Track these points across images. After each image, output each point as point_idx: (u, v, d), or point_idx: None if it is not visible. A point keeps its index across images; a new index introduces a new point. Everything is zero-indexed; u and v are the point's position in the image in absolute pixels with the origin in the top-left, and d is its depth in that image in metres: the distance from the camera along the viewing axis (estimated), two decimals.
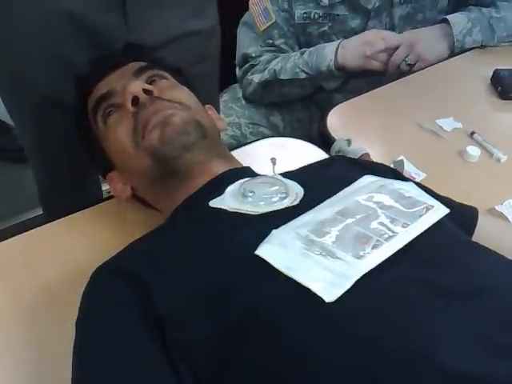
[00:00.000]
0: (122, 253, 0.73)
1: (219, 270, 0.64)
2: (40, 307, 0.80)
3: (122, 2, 0.94)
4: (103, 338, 0.64)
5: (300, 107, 1.68)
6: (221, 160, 0.83)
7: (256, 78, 1.58)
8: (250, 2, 1.60)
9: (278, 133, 1.64)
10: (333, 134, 1.11)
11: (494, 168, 1.09)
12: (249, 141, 1.56)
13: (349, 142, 1.06)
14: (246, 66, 1.61)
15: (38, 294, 0.82)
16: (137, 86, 0.80)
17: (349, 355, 0.54)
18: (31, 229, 0.93)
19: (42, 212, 1.29)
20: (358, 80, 1.55)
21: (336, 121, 1.16)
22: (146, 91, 0.80)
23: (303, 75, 1.53)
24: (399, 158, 1.06)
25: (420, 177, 1.04)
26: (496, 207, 0.98)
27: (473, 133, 1.16)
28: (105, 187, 1.20)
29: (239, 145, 1.15)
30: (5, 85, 1.03)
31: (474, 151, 1.11)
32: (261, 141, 1.12)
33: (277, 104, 1.67)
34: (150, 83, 0.84)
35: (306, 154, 1.06)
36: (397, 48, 1.45)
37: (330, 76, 1.51)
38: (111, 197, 0.99)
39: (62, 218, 0.94)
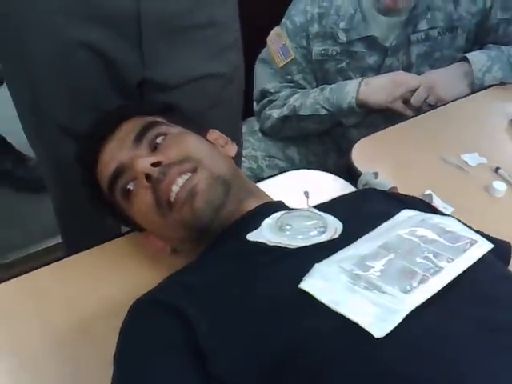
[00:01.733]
0: (161, 285, 0.72)
1: (262, 305, 0.62)
2: (75, 341, 0.79)
3: (138, 39, 0.95)
4: (144, 372, 0.62)
5: (316, 141, 1.69)
6: (251, 197, 0.83)
7: (275, 112, 1.59)
8: (268, 39, 1.62)
9: (293, 166, 1.64)
10: (358, 168, 1.10)
11: None
12: (265, 174, 1.58)
13: (375, 175, 1.05)
14: (265, 101, 1.62)
15: (72, 327, 0.80)
16: (144, 164, 0.78)
17: None
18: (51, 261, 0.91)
19: (57, 242, 1.28)
20: (374, 115, 1.56)
21: (360, 154, 1.16)
22: (154, 164, 0.78)
23: (323, 111, 1.54)
24: (427, 192, 1.05)
25: (448, 211, 1.02)
26: None
27: (498, 168, 1.15)
28: None
29: (264, 177, 1.14)
30: (25, 114, 1.04)
31: (500, 186, 1.10)
32: (285, 174, 1.11)
33: (293, 138, 1.67)
34: (155, 147, 0.82)
35: (334, 186, 1.05)
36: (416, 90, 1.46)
37: (351, 112, 1.52)
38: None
39: (94, 248, 0.93)
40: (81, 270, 0.90)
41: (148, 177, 0.78)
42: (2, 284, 0.86)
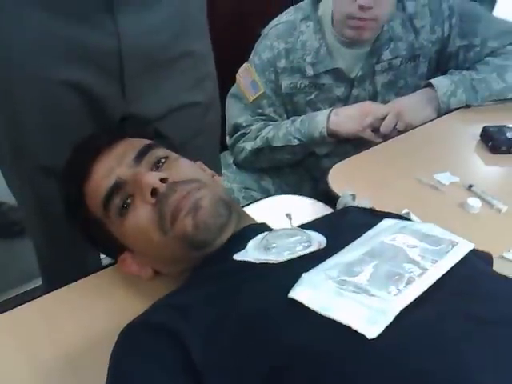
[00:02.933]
0: (150, 309, 0.71)
1: (254, 316, 0.62)
2: (62, 375, 0.77)
3: (120, 75, 0.96)
4: None
5: (289, 172, 1.71)
6: (238, 218, 0.83)
7: (248, 145, 1.61)
8: (237, 75, 1.65)
9: (269, 196, 1.65)
10: (335, 191, 1.12)
11: (495, 218, 1.11)
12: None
13: (353, 196, 1.06)
14: (237, 134, 1.64)
15: (59, 361, 0.78)
16: (152, 178, 0.78)
17: None
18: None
19: (35, 285, 1.26)
20: (345, 145, 1.59)
21: (337, 178, 1.18)
22: (162, 180, 0.78)
23: (296, 142, 1.56)
24: (404, 211, 1.07)
25: None
26: (504, 254, 0.99)
27: (471, 185, 1.18)
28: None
29: (246, 204, 1.14)
30: (4, 153, 1.02)
31: (475, 203, 1.12)
32: (265, 199, 1.12)
33: (267, 169, 1.70)
34: (156, 168, 0.83)
35: (313, 209, 1.06)
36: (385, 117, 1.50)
37: (322, 142, 1.55)
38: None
39: (76, 282, 0.92)
40: (64, 304, 0.88)
41: (154, 192, 0.77)
42: None
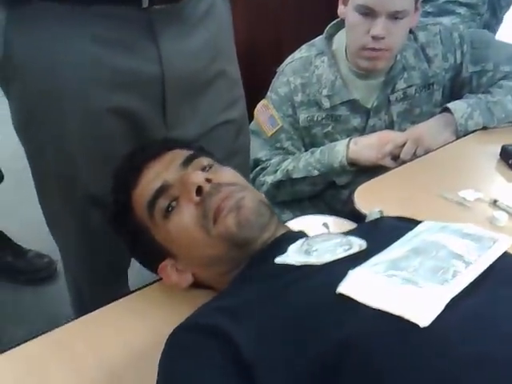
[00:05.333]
0: (197, 312, 0.72)
1: (303, 313, 0.63)
2: None
3: (162, 101, 0.99)
4: None
5: (309, 205, 1.72)
6: (277, 222, 0.85)
7: (268, 178, 1.63)
8: (255, 112, 1.68)
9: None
10: (361, 210, 1.13)
11: None
12: None
13: (381, 212, 1.07)
14: (258, 169, 1.66)
15: (103, 373, 0.79)
16: (199, 177, 0.81)
17: (452, 372, 0.52)
18: None
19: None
20: (363, 176, 1.60)
21: (362, 198, 1.18)
22: (207, 180, 0.81)
23: (316, 172, 1.58)
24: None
25: None
26: None
27: (495, 200, 1.18)
28: None
29: None
30: (51, 184, 1.04)
31: (501, 216, 1.13)
32: (296, 219, 1.13)
33: (287, 203, 1.70)
34: (203, 171, 0.85)
35: (342, 227, 1.06)
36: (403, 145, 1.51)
37: (343, 171, 1.56)
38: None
39: (115, 302, 0.93)
40: (104, 323, 0.89)
41: (199, 190, 0.79)
42: (30, 341, 0.85)
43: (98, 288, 1.16)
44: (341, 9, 1.55)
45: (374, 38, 1.46)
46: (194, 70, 1.01)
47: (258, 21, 2.13)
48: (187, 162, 0.86)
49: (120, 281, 1.21)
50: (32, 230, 1.87)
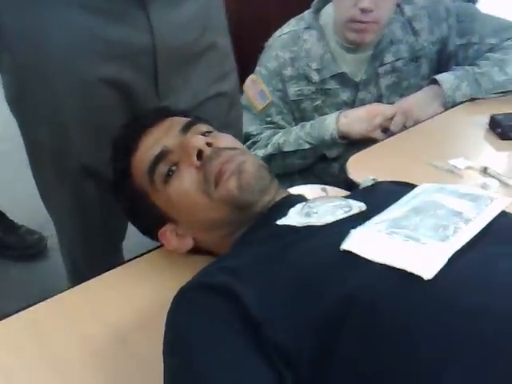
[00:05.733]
0: (201, 272, 0.73)
1: (307, 271, 0.64)
2: (114, 351, 0.79)
3: (153, 71, 0.99)
4: (203, 350, 0.62)
5: (299, 178, 1.73)
6: (277, 187, 0.86)
7: (260, 152, 1.63)
8: (244, 87, 1.69)
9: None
10: (354, 179, 1.14)
11: None
12: None
13: (374, 180, 1.08)
14: (248, 143, 1.66)
15: (110, 339, 0.80)
16: (199, 140, 0.82)
17: (456, 324, 0.54)
18: None
19: None
20: (353, 148, 1.61)
21: (355, 168, 1.20)
22: (208, 144, 0.82)
23: (307, 146, 1.59)
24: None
25: None
26: None
27: (486, 168, 1.21)
28: None
29: None
30: (44, 154, 1.04)
31: (492, 182, 1.15)
32: (294, 187, 1.14)
33: (278, 176, 1.70)
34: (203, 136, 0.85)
35: (341, 195, 1.08)
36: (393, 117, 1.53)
37: (333, 144, 1.58)
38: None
39: (115, 269, 0.93)
40: (108, 287, 0.90)
41: (199, 154, 0.80)
42: (37, 305, 0.85)
43: (93, 260, 1.16)
44: None
45: (362, 10, 1.47)
46: (185, 40, 1.02)
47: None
48: (186, 127, 0.87)
49: (115, 252, 1.22)
50: (22, 206, 1.87)
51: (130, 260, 0.95)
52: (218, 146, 0.83)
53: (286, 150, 1.61)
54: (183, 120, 0.89)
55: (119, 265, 0.94)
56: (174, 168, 0.83)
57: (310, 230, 0.72)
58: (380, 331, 0.56)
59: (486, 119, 1.39)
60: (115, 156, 0.91)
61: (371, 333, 0.56)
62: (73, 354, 0.78)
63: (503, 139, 1.34)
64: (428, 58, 1.64)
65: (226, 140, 0.87)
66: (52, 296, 0.87)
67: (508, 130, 1.33)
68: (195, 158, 0.80)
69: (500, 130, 1.34)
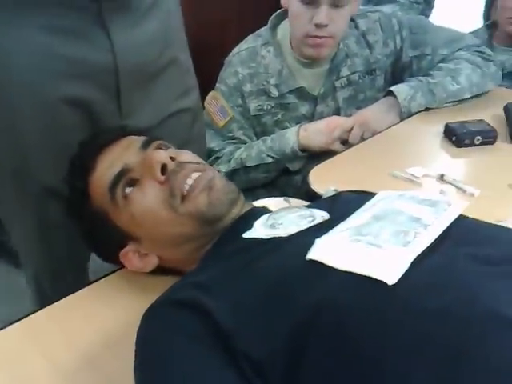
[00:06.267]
0: (170, 289, 0.73)
1: (275, 282, 0.65)
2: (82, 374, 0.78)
3: (116, 90, 1.00)
4: (173, 365, 0.62)
5: (263, 192, 1.74)
6: (243, 200, 0.88)
7: (223, 167, 1.65)
8: (205, 103, 1.70)
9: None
10: (317, 190, 1.17)
11: (470, 202, 1.16)
12: None
13: (336, 191, 1.11)
14: (211, 159, 1.68)
15: (78, 361, 0.79)
16: (162, 155, 0.82)
17: (420, 327, 0.56)
18: None
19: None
20: (315, 161, 1.64)
21: (317, 179, 1.22)
22: (171, 158, 0.82)
23: (269, 159, 1.62)
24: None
25: None
26: None
27: (442, 175, 1.24)
28: None
29: None
30: (5, 175, 1.03)
31: (448, 189, 1.19)
32: (257, 201, 1.15)
33: (242, 191, 1.72)
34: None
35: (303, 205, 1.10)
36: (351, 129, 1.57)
37: (295, 157, 1.60)
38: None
39: (81, 290, 0.93)
40: (74, 309, 0.90)
41: (163, 168, 0.80)
42: (2, 330, 0.84)
43: (58, 282, 1.15)
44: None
45: (318, 25, 1.50)
46: (147, 58, 1.03)
47: (202, 16, 2.14)
48: (146, 144, 0.87)
49: (80, 273, 1.21)
50: None
51: (95, 281, 0.95)
52: (180, 160, 0.84)
53: (248, 164, 1.63)
54: (141, 138, 0.89)
55: (84, 286, 0.93)
56: (134, 185, 0.82)
57: (275, 241, 0.73)
58: (347, 338, 0.57)
59: (441, 128, 1.43)
60: (72, 176, 0.90)
61: (338, 340, 0.58)
62: (40, 377, 0.77)
63: (458, 147, 1.38)
64: (382, 71, 1.69)
65: (186, 155, 0.88)
66: (18, 320, 0.86)
67: (462, 137, 1.37)
68: (159, 172, 0.80)
69: (455, 137, 1.38)
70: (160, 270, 0.90)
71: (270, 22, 1.69)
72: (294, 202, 1.10)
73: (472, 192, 1.19)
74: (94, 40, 0.95)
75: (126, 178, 0.83)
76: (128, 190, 0.83)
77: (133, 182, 0.83)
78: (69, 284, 1.12)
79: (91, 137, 0.94)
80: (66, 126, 0.97)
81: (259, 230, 0.77)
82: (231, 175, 1.66)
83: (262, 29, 1.71)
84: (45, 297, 1.18)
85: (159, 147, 0.87)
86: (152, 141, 0.89)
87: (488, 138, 1.38)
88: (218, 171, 1.58)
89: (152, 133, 1.04)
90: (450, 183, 1.22)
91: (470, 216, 0.76)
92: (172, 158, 0.83)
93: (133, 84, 1.01)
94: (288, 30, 1.64)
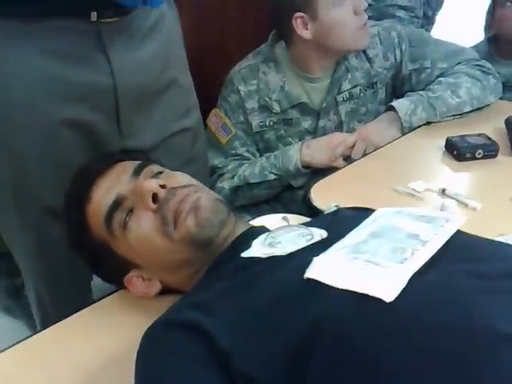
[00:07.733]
0: (170, 310, 0.74)
1: (273, 301, 0.66)
2: None
3: (115, 111, 1.01)
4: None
5: (266, 207, 1.76)
6: (240, 222, 0.88)
7: (226, 184, 1.66)
8: (207, 121, 1.71)
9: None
10: (318, 207, 1.17)
11: (472, 215, 1.17)
12: None
13: (337, 207, 1.11)
14: (215, 176, 1.69)
15: (78, 379, 0.80)
16: (152, 184, 0.82)
17: (418, 343, 0.57)
18: None
19: None
20: (318, 176, 1.65)
21: (319, 195, 1.23)
22: (161, 186, 0.82)
23: (272, 176, 1.63)
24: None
25: None
26: None
27: (444, 189, 1.25)
28: None
29: None
30: (5, 197, 1.04)
31: (451, 203, 1.19)
32: (256, 218, 1.16)
33: (245, 207, 1.74)
34: (155, 177, 0.86)
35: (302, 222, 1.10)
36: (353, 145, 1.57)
37: (298, 174, 1.62)
38: None
39: (85, 309, 0.94)
40: (76, 330, 0.90)
41: (155, 197, 0.80)
42: (4, 352, 0.85)
43: (61, 301, 1.16)
44: (304, 32, 1.57)
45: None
46: (146, 80, 1.04)
47: (202, 32, 2.16)
48: (137, 171, 0.87)
49: (84, 292, 1.22)
50: None
51: (98, 300, 0.95)
52: (171, 185, 0.84)
53: (251, 181, 1.64)
54: (133, 163, 0.89)
55: (86, 306, 0.94)
56: (130, 214, 0.83)
57: (274, 260, 0.74)
58: (347, 356, 0.58)
59: (442, 142, 1.44)
60: (69, 209, 0.90)
61: (338, 358, 0.58)
62: None
63: (459, 161, 1.38)
64: (384, 84, 1.70)
65: (178, 178, 0.87)
66: (20, 341, 0.86)
67: (464, 151, 1.38)
68: (151, 201, 0.81)
69: (456, 151, 1.39)
70: (164, 292, 0.91)
71: (270, 38, 1.71)
72: (293, 219, 1.10)
73: (474, 206, 1.19)
74: (94, 63, 0.96)
75: (121, 207, 0.83)
76: (123, 217, 0.83)
77: (128, 211, 0.83)
78: (72, 302, 1.13)
79: (83, 167, 0.93)
80: (66, 147, 0.99)
81: (257, 249, 0.78)
82: (235, 191, 1.67)
83: (262, 46, 1.73)
84: (46, 313, 1.19)
85: (152, 172, 0.87)
86: (144, 166, 0.88)
87: (489, 151, 1.38)
88: (222, 188, 1.64)
89: (153, 153, 1.05)
90: (452, 197, 1.23)
91: (472, 230, 0.77)
92: (163, 186, 0.82)
93: (132, 105, 1.03)
94: (283, 47, 1.65)
